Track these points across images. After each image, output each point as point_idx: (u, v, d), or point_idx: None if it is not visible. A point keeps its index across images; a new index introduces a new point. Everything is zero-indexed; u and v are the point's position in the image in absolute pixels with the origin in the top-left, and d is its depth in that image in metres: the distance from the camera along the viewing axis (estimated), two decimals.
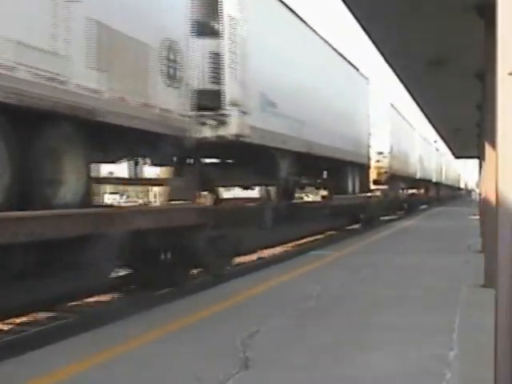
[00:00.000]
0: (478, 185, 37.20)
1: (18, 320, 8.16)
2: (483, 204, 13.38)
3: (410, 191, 39.22)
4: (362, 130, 23.43)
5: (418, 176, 40.93)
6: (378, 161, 27.91)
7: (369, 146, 24.35)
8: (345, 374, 4.70)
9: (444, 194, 63.34)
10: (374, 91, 26.41)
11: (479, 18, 8.67)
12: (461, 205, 48.79)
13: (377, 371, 4.77)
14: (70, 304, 8.98)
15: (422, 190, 45.08)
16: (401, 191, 35.62)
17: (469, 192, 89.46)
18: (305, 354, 5.22)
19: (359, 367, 4.88)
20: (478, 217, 20.17)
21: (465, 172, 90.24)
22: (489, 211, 9.40)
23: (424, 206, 44.81)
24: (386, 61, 12.94)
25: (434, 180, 51.08)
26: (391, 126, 29.66)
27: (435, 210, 39.84)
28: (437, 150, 53.64)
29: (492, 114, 3.68)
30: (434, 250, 13.71)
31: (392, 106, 30.59)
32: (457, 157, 49.42)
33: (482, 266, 8.60)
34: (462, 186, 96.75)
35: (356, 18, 9.92)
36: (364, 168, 23.36)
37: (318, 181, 19.53)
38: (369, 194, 24.54)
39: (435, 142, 49.61)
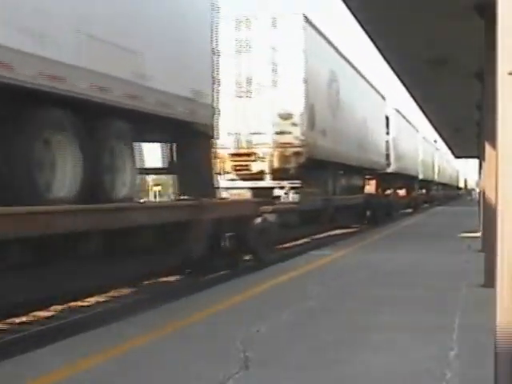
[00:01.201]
0: (478, 184, 36.08)
1: (17, 320, 8.16)
2: (483, 205, 13.36)
3: (387, 192, 29.94)
4: (178, 41, 9.83)
5: (392, 169, 29.68)
6: (280, 132, 15.33)
7: (213, 89, 11.06)
8: (345, 374, 4.70)
9: (437, 194, 55.93)
10: None
11: (479, 17, 8.68)
12: (458, 205, 46.86)
13: (377, 371, 4.77)
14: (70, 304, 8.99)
15: (403, 190, 35.50)
16: (364, 190, 25.85)
17: (469, 192, 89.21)
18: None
19: (359, 367, 4.87)
20: (478, 234, 13.52)
21: (465, 170, 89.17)
22: (489, 211, 9.40)
23: (408, 210, 36.65)
24: (386, 60, 12.95)
25: (421, 177, 41.74)
26: (309, 65, 15.79)
27: (417, 218, 28.71)
28: (427, 140, 45.66)
29: (492, 113, 3.68)
30: None
31: (307, 20, 16.00)
32: (457, 157, 49.36)
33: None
34: (462, 185, 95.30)
35: (356, 18, 9.92)
36: (196, 138, 10.71)
37: None
38: (210, 200, 10.79)
39: (435, 141, 49.31)
